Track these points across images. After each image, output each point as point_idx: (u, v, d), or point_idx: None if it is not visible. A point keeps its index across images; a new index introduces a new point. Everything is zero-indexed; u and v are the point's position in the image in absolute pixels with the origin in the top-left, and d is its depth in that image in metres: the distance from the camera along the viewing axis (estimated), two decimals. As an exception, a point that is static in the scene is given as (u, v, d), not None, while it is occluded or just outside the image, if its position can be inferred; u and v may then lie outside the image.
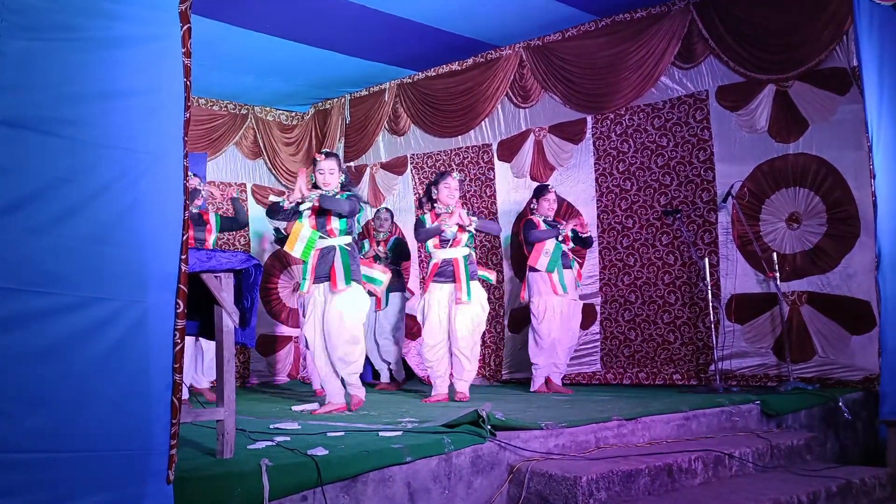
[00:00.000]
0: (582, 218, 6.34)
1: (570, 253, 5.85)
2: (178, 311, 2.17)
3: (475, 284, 5.24)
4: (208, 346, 5.68)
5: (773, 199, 5.53)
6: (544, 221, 5.83)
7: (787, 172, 5.46)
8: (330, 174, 4.64)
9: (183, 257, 2.19)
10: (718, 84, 5.80)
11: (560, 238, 5.74)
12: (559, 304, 5.70)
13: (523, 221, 6.00)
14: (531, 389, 5.74)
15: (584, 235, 6.02)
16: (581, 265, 6.23)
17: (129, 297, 2.07)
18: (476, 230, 5.32)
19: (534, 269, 5.74)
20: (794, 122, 5.43)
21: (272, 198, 4.83)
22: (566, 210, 6.49)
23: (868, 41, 4.44)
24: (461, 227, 5.20)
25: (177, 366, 2.15)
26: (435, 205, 5.33)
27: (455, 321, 5.17)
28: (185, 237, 2.20)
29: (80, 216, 2.02)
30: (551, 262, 5.67)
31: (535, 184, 6.80)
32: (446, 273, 5.22)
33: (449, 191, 5.27)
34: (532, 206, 5.97)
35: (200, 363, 5.85)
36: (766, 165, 5.55)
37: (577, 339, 6.01)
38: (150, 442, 2.09)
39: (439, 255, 5.26)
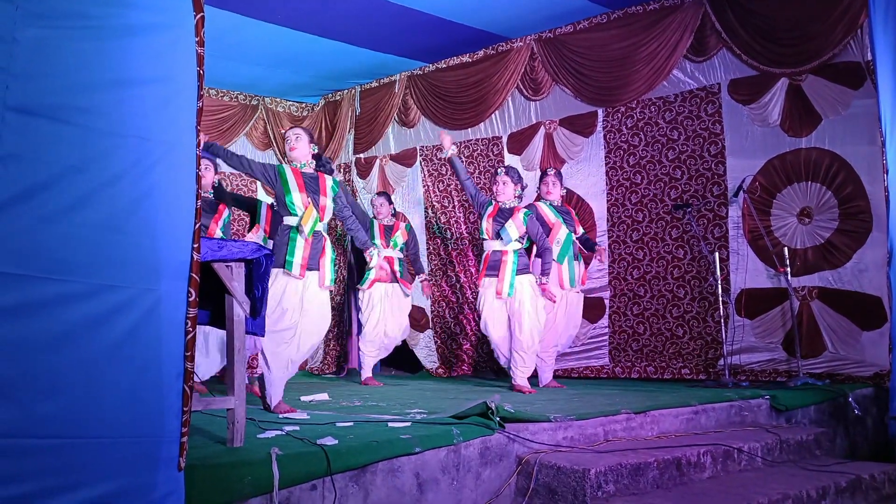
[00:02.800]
0: (601, 251, 5.93)
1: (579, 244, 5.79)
2: (190, 299, 2.17)
3: (525, 279, 5.26)
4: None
5: (784, 193, 5.50)
6: (550, 206, 5.72)
7: (799, 167, 5.43)
8: (296, 140, 4.40)
9: (195, 246, 2.20)
10: (731, 77, 5.77)
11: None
12: (561, 294, 5.62)
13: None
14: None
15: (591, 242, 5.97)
16: (587, 265, 6.05)
17: (141, 286, 2.08)
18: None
19: (537, 255, 5.54)
20: (806, 116, 5.40)
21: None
22: (577, 202, 6.47)
23: (883, 35, 4.40)
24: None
25: (188, 354, 2.16)
26: None
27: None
28: (197, 226, 2.21)
29: (93, 204, 2.02)
30: (561, 253, 5.59)
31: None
32: (495, 266, 5.27)
33: (499, 187, 5.38)
34: (539, 191, 5.91)
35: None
36: (778, 159, 5.52)
37: (577, 329, 5.94)
38: (162, 429, 2.10)
39: (491, 245, 5.31)
